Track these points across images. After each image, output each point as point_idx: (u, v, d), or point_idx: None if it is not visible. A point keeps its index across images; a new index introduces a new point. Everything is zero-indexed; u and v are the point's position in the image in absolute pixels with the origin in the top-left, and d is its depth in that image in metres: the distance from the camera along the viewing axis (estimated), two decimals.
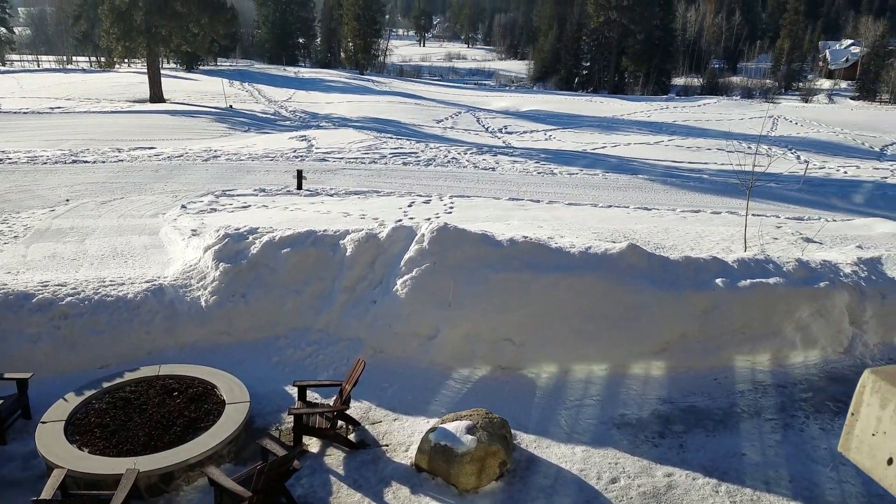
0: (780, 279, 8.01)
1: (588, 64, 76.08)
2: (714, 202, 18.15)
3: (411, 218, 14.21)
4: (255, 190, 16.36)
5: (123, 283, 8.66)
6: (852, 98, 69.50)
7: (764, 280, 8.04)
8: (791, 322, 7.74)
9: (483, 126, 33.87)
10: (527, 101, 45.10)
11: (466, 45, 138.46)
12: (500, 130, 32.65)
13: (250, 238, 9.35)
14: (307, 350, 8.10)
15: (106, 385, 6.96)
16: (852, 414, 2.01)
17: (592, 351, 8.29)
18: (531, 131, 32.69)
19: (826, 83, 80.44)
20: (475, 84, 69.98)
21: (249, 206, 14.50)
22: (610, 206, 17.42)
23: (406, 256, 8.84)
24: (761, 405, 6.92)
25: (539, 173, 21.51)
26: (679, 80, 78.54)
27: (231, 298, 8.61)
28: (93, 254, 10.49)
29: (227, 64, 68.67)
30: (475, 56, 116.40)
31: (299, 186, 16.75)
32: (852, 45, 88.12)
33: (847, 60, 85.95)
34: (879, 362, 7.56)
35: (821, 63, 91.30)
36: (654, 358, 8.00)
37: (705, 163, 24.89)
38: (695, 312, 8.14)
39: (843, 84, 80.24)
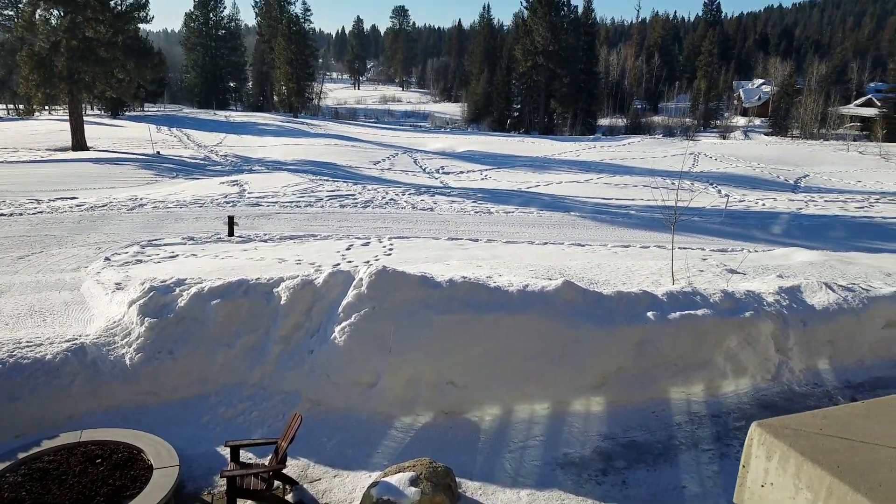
0: (707, 310, 8.29)
1: (519, 106, 78.52)
2: (642, 237, 18.78)
3: (350, 261, 14.05)
4: (184, 238, 15.85)
5: (41, 344, 8.13)
6: (766, 134, 74.13)
7: (693, 311, 8.30)
8: (721, 352, 8.00)
9: (420, 167, 34.21)
10: (462, 142, 45.94)
11: (401, 89, 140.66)
12: (437, 171, 33.05)
13: (177, 290, 8.99)
14: (240, 407, 7.76)
15: (21, 455, 6.45)
16: (743, 466, 2.07)
17: (534, 389, 8.30)
18: (468, 171, 33.22)
19: (741, 120, 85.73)
20: (411, 126, 70.90)
21: (178, 255, 14.01)
22: (546, 243, 17.75)
23: (344, 302, 8.69)
24: (698, 436, 7.07)
25: (476, 212, 21.78)
26: (605, 121, 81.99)
27: (157, 355, 8.20)
28: (8, 313, 9.84)
29: (155, 109, 67.14)
30: (410, 99, 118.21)
31: (231, 233, 16.34)
32: (763, 84, 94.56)
33: (759, 99, 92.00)
34: (805, 388, 7.87)
35: (735, 102, 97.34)
36: (594, 393, 8.07)
37: (632, 199, 25.84)
38: (629, 346, 8.29)
39: (757, 121, 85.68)
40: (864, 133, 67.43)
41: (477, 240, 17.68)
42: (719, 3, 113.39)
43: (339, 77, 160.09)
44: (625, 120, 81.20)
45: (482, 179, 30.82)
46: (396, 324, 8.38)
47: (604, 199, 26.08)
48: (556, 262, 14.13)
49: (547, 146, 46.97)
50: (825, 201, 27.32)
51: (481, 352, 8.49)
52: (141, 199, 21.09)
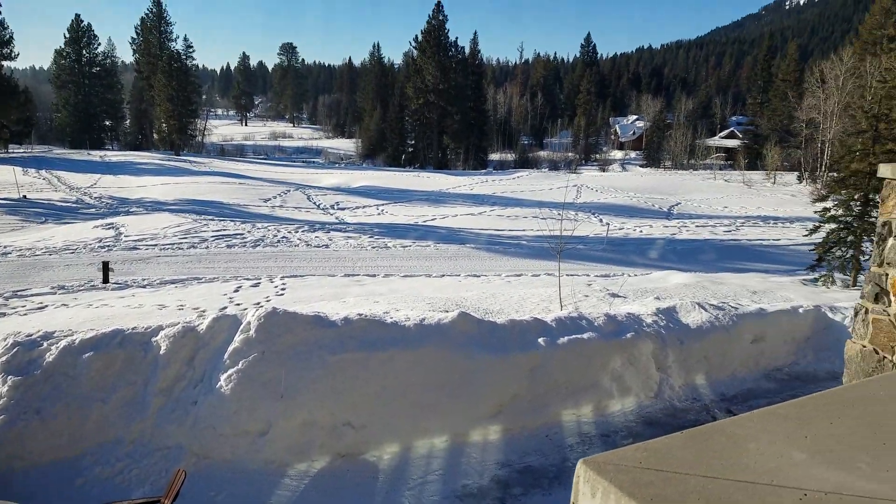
0: (593, 334, 8.66)
1: (413, 142, 79.76)
2: (534, 265, 19.46)
3: (238, 304, 13.51)
4: (54, 287, 14.63)
5: None
6: (641, 166, 79.60)
7: (580, 336, 8.63)
8: (607, 373, 8.35)
9: (314, 203, 33.71)
10: (357, 178, 45.86)
11: (292, 125, 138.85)
12: (332, 207, 32.69)
13: (45, 344, 8.22)
14: (118, 465, 7.16)
15: None
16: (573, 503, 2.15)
17: (433, 423, 8.26)
18: (364, 206, 33.13)
19: (619, 154, 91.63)
20: (304, 162, 70.00)
21: (46, 306, 12.89)
22: (443, 276, 17.94)
23: (231, 348, 8.29)
24: (590, 455, 7.29)
25: (373, 247, 21.70)
26: (495, 156, 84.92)
27: (23, 416, 7.42)
28: None
29: (21, 151, 62.13)
30: (302, 135, 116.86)
31: (105, 280, 15.28)
32: (637, 119, 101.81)
33: (634, 133, 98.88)
34: (685, 402, 8.36)
35: (613, 136, 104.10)
36: (491, 422, 8.16)
37: (523, 230, 26.76)
38: (523, 373, 8.48)
39: (633, 154, 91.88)
40: (729, 163, 74.00)
41: (374, 275, 17.58)
42: (595, 44, 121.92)
43: (226, 113, 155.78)
44: (514, 155, 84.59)
45: (379, 214, 30.83)
46: (288, 367, 8.10)
47: (497, 230, 26.83)
48: (452, 294, 14.30)
49: (442, 180, 47.87)
50: (696, 226, 29.58)
51: (379, 389, 8.36)
52: (5, 246, 19.32)
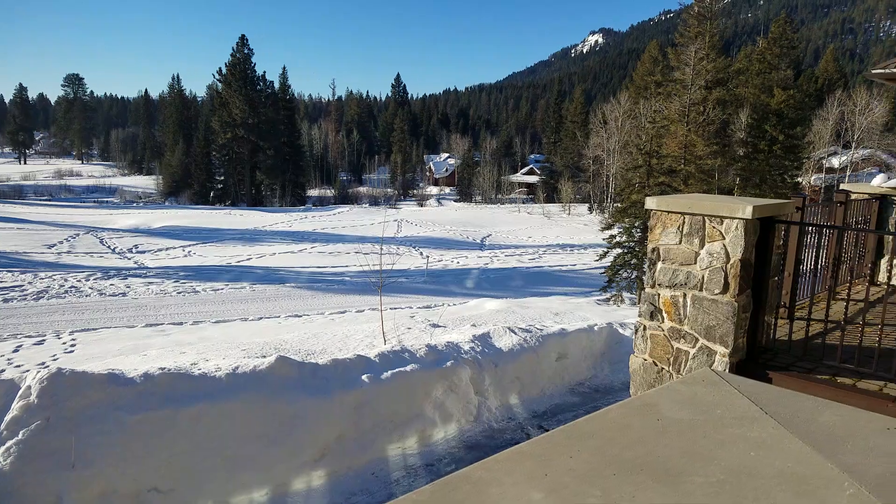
0: (415, 365, 8.81)
1: (223, 178, 76.04)
2: (357, 301, 19.41)
3: (18, 366, 11.76)
4: None
5: None
6: (455, 200, 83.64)
7: (403, 368, 8.74)
8: (429, 402, 8.53)
9: (108, 247, 30.57)
10: (159, 217, 42.53)
11: (80, 162, 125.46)
12: (129, 250, 29.88)
13: None
14: None
15: None
16: None
17: (252, 476, 7.78)
18: (167, 248, 30.72)
19: (434, 189, 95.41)
20: (95, 202, 63.35)
21: None
22: (261, 318, 17.18)
23: (7, 418, 7.15)
24: (414, 487, 7.34)
25: (179, 293, 20.14)
26: (314, 192, 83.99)
27: None
28: None
29: None
30: (92, 172, 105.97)
31: None
32: (449, 157, 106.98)
33: (447, 170, 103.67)
34: (501, 423, 8.79)
35: (428, 173, 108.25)
36: (315, 466, 7.89)
37: (346, 266, 26.65)
38: (347, 411, 8.35)
39: (447, 189, 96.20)
40: (531, 196, 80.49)
41: (181, 323, 16.32)
42: (405, 85, 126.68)
43: (0, 151, 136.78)
44: (333, 190, 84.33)
45: (185, 256, 28.78)
46: (79, 433, 7.16)
47: (319, 267, 26.39)
48: (272, 338, 13.72)
49: (257, 218, 46.12)
50: (506, 256, 31.62)
51: (189, 447, 7.70)
52: None
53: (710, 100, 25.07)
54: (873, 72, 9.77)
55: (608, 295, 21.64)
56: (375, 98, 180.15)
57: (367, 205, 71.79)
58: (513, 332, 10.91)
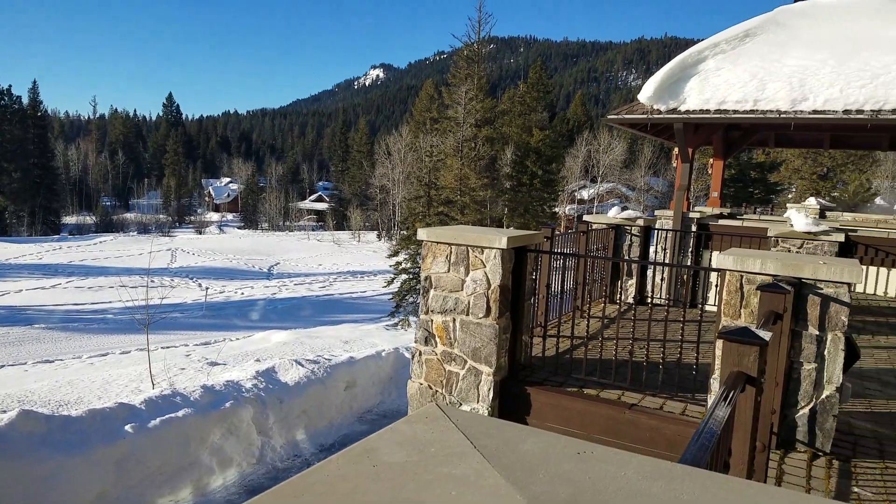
0: (189, 409, 8.20)
1: None
2: (122, 342, 17.50)
3: None
4: None
5: None
6: (239, 227, 79.69)
7: (174, 414, 8.08)
8: (206, 449, 7.98)
9: None
10: None
11: None
12: None
13: None
14: None
15: None
16: None
17: None
18: None
19: (215, 216, 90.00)
20: None
21: None
22: (2, 367, 14.71)
23: None
24: None
25: None
26: (71, 219, 74.37)
27: None
28: None
29: None
30: None
31: None
32: (231, 182, 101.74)
33: (229, 196, 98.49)
34: (286, 462, 8.52)
35: (207, 198, 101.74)
36: None
37: (109, 301, 23.91)
38: (108, 467, 7.49)
39: (230, 216, 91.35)
40: (320, 224, 79.76)
41: None
42: (178, 104, 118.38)
43: None
44: (95, 217, 75.36)
45: None
46: None
47: (76, 304, 23.35)
48: (15, 389, 11.80)
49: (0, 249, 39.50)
50: (295, 284, 30.89)
51: None
52: None
53: (480, 137, 27.31)
54: (609, 117, 11.43)
55: (396, 320, 22.22)
56: (145, 118, 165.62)
57: (135, 233, 65.28)
58: (300, 364, 10.69)
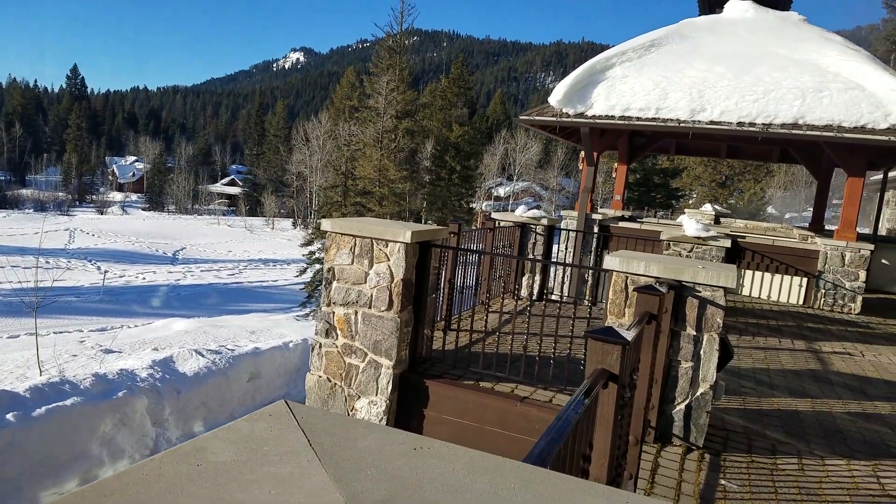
0: (78, 398, 7.77)
1: None
2: (10, 325, 16.35)
3: None
4: None
5: None
6: (144, 209, 75.66)
7: (62, 403, 7.63)
8: (95, 440, 7.60)
9: None
10: None
11: None
12: None
13: None
14: None
15: None
16: None
17: None
18: None
19: (118, 196, 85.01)
20: None
21: None
22: None
23: None
24: None
25: None
26: None
27: None
28: None
29: None
30: None
31: None
32: (137, 161, 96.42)
33: (134, 175, 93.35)
34: None
35: (111, 177, 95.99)
36: None
37: None
38: None
39: (134, 196, 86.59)
40: (232, 209, 77.03)
41: None
42: (83, 77, 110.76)
43: None
44: None
45: None
46: None
47: None
48: None
49: None
50: (201, 271, 29.76)
51: None
52: None
53: (401, 128, 27.22)
54: (521, 118, 11.71)
55: (307, 310, 21.87)
56: (46, 89, 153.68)
57: (31, 210, 60.73)
58: (200, 354, 10.34)
